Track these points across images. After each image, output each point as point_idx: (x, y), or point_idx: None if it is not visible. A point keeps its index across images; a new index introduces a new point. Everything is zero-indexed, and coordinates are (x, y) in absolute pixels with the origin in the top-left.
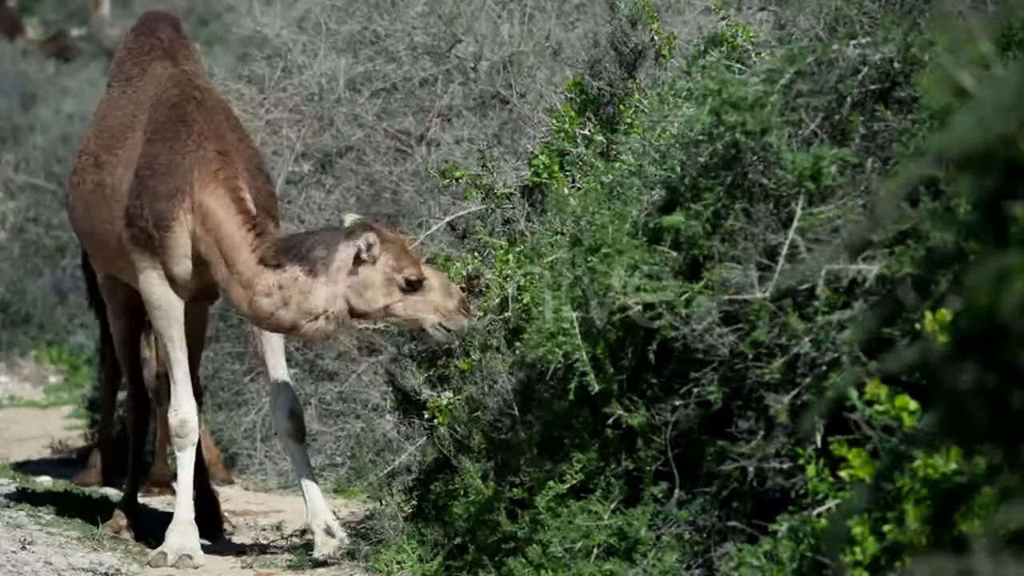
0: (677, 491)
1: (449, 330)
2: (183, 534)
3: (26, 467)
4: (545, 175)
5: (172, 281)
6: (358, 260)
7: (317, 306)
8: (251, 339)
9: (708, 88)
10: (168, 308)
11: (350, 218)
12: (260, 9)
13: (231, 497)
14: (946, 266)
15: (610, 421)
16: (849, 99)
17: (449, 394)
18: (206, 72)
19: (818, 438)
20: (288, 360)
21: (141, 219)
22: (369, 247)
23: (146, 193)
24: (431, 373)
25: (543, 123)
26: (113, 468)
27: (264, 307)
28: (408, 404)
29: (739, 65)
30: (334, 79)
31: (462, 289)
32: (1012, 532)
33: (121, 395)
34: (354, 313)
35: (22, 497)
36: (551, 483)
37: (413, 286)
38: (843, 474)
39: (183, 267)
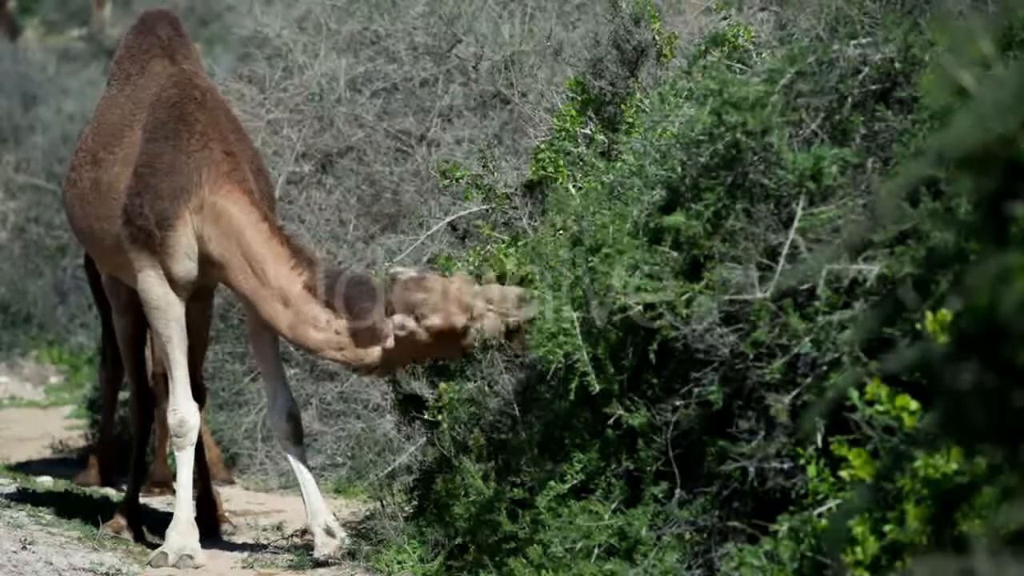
0: (678, 491)
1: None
2: (184, 534)
3: (27, 467)
4: (551, 168)
5: (171, 281)
6: (396, 338)
7: (373, 362)
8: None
9: (709, 88)
10: (167, 308)
11: (399, 271)
12: (261, 9)
13: (232, 497)
14: (947, 266)
15: (611, 421)
16: (850, 99)
17: (445, 386)
18: (205, 72)
19: (819, 438)
20: (288, 360)
21: (141, 218)
22: (403, 328)
23: (147, 192)
24: (431, 372)
25: (544, 123)
26: (113, 468)
27: (314, 338)
28: (408, 402)
29: (740, 65)
30: (335, 79)
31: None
32: (1013, 532)
33: (122, 395)
34: (419, 360)
35: (23, 497)
36: (552, 483)
37: (464, 331)
38: (844, 474)
39: (184, 267)
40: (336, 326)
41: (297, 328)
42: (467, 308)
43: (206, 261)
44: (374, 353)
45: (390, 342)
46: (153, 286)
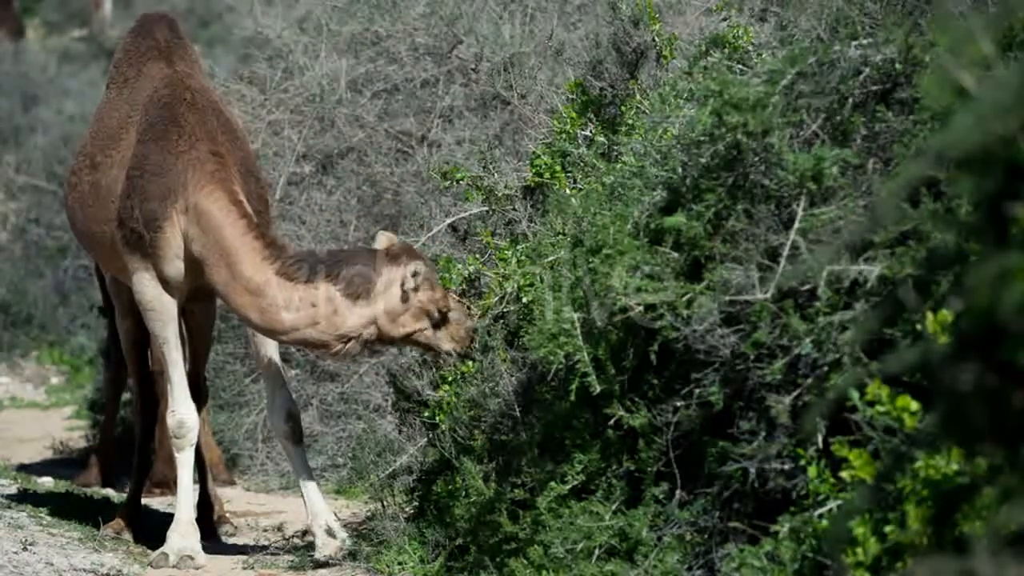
0: (678, 492)
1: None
2: (184, 535)
3: (27, 468)
4: (547, 175)
5: (164, 282)
6: (401, 287)
7: (352, 328)
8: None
9: (709, 89)
10: (161, 309)
11: (383, 237)
12: (261, 10)
13: (232, 498)
14: (947, 267)
15: (611, 422)
16: (850, 100)
17: (447, 388)
18: (205, 73)
19: (819, 439)
20: (289, 361)
21: (132, 219)
22: (415, 275)
23: (136, 194)
24: (434, 373)
25: (544, 124)
26: (114, 469)
27: (285, 321)
28: (409, 402)
29: (740, 66)
30: (335, 80)
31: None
32: (1013, 532)
33: (123, 396)
34: (382, 337)
35: (23, 498)
36: (552, 484)
37: (443, 318)
38: (844, 475)
39: (174, 268)
40: (313, 297)
41: (267, 313)
42: (447, 295)
43: (191, 261)
44: (358, 318)
45: (395, 289)
46: (147, 288)
